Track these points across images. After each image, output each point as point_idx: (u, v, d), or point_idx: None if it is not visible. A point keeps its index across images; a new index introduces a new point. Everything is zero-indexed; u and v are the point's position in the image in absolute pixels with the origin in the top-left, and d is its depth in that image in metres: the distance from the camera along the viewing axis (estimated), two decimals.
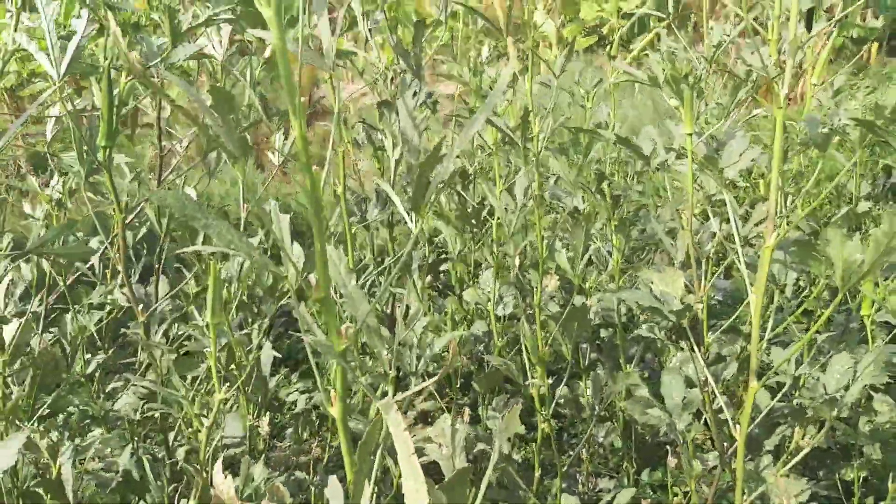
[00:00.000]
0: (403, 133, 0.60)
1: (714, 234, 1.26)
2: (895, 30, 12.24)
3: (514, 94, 1.73)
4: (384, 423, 0.53)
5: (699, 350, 1.17)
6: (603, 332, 1.78)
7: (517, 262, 1.49)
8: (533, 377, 1.37)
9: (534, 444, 1.62)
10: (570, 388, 1.84)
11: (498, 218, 1.86)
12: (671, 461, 1.67)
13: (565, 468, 1.58)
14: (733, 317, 1.28)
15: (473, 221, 1.84)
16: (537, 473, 1.46)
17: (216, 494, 0.55)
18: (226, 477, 0.55)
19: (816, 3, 1.35)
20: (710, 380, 1.10)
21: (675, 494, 1.61)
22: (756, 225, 1.12)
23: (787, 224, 1.23)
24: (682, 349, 1.28)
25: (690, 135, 1.08)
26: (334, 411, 0.54)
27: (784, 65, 1.02)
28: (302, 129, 0.49)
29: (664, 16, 1.67)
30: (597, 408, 1.42)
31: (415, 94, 1.43)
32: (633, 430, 1.83)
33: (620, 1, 11.67)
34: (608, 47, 12.99)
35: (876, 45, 11.54)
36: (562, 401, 1.78)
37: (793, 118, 1.64)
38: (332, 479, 0.57)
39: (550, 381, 1.62)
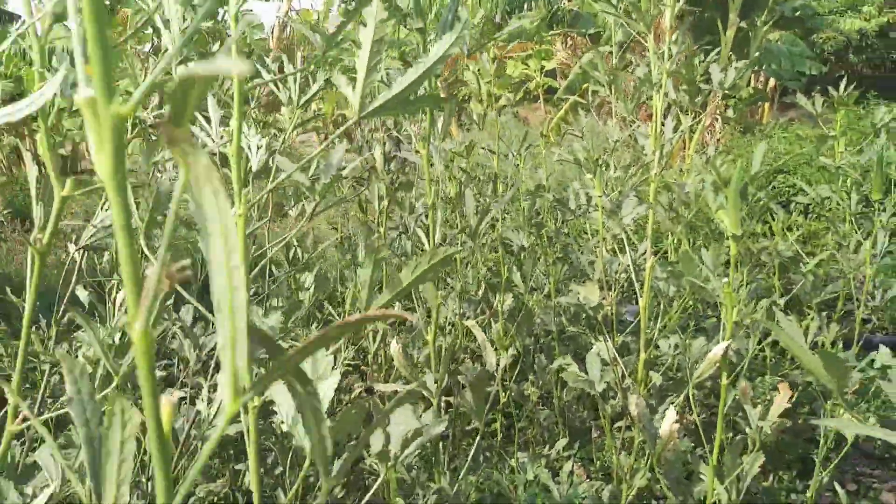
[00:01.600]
0: (467, 210, 1.14)
1: (618, 263, 1.84)
2: (784, 89, 13.73)
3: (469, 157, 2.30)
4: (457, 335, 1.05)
5: (611, 341, 1.73)
6: (543, 340, 2.33)
7: (483, 285, 2.03)
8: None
9: (493, 437, 2.14)
10: (519, 386, 2.39)
11: (466, 252, 2.40)
12: (594, 435, 2.23)
13: (518, 439, 2.11)
14: (636, 320, 1.85)
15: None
16: (499, 436, 1.97)
17: (396, 353, 1.06)
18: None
19: (690, 99, 1.97)
20: (618, 359, 1.66)
21: (598, 459, 2.16)
22: (642, 255, 1.69)
23: (661, 254, 1.82)
24: (599, 341, 1.83)
25: (600, 196, 1.65)
26: (429, 335, 1.06)
27: (661, 149, 1.62)
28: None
29: (585, 102, 2.29)
30: (540, 382, 1.95)
31: (395, 157, 1.99)
32: (567, 416, 2.38)
33: (543, 60, 12.77)
34: (533, 101, 13.97)
35: (768, 104, 12.89)
36: (513, 393, 2.32)
37: (673, 180, 2.25)
38: (428, 375, 1.09)
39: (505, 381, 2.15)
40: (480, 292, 1.91)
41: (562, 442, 1.86)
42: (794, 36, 10.09)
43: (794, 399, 2.52)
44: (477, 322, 1.46)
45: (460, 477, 1.17)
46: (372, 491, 0.87)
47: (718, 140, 6.53)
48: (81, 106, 0.25)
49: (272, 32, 9.22)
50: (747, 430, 1.13)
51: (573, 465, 1.82)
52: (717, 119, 6.47)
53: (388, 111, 0.59)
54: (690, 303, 2.58)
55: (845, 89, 2.20)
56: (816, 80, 12.97)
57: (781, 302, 1.91)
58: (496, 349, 1.90)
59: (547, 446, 1.98)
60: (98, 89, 0.24)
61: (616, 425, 1.98)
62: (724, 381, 1.14)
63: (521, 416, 2.60)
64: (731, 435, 2.15)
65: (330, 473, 0.41)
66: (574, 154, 1.71)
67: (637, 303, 3.04)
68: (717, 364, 1.11)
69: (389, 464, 0.84)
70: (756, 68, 10.26)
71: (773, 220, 1.82)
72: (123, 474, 0.35)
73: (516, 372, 2.20)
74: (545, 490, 1.59)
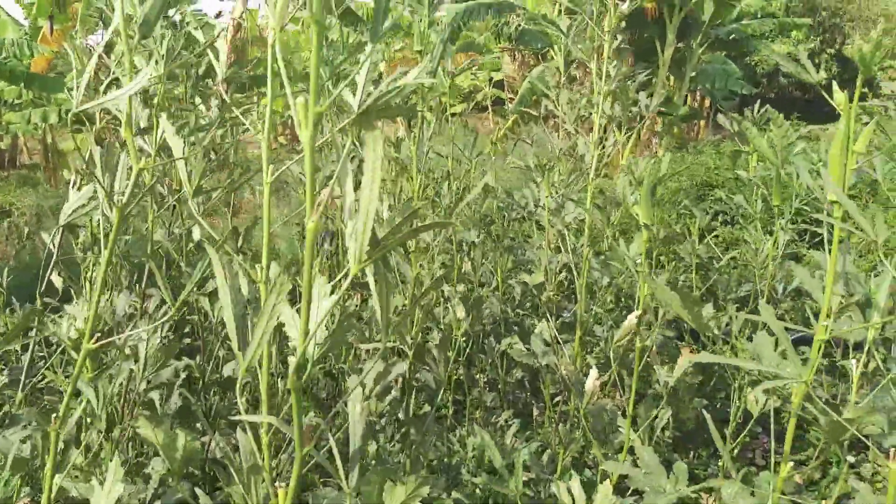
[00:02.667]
0: (441, 197, 1.35)
1: (558, 261, 2.09)
2: (717, 109, 14.44)
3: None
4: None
5: (552, 322, 1.97)
6: (490, 327, 2.56)
7: (439, 272, 2.24)
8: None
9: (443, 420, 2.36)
10: (468, 370, 2.61)
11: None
12: (535, 414, 2.47)
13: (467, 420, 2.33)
14: (576, 307, 2.10)
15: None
16: (449, 415, 2.19)
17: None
18: None
19: (623, 116, 2.24)
20: (558, 337, 1.90)
21: (538, 435, 2.40)
22: (580, 247, 1.95)
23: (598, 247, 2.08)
24: (542, 322, 2.08)
25: (548, 197, 1.90)
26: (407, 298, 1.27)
27: (598, 157, 1.87)
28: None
29: (535, 114, 2.54)
30: (488, 362, 2.18)
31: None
32: (510, 399, 2.62)
33: (492, 71, 13.20)
34: (481, 111, 14.31)
35: (703, 122, 13.55)
36: (461, 378, 2.54)
37: (608, 186, 2.52)
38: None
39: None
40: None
41: (507, 413, 2.09)
42: (725, 58, 10.69)
43: (712, 384, 2.81)
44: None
45: (424, 428, 1.38)
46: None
47: (654, 154, 6.92)
48: (298, 105, 0.45)
49: (226, 32, 9.23)
50: (656, 386, 1.37)
51: (514, 435, 2.05)
52: (654, 136, 6.88)
53: (375, 115, 0.80)
54: (622, 299, 2.85)
55: (758, 111, 2.51)
56: (748, 100, 13.70)
57: (698, 295, 2.19)
58: (451, 331, 2.12)
59: (493, 416, 2.21)
60: (311, 95, 0.45)
61: (555, 401, 2.22)
62: (639, 343, 1.39)
63: (468, 402, 2.83)
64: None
65: (388, 318, 0.65)
66: (525, 160, 1.95)
67: (575, 302, 3.31)
68: (633, 331, 1.36)
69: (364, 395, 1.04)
70: (692, 88, 10.83)
71: (692, 223, 2.10)
72: (269, 329, 0.55)
73: (464, 357, 2.42)
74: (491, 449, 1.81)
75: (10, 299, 2.24)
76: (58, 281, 2.00)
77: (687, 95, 11.88)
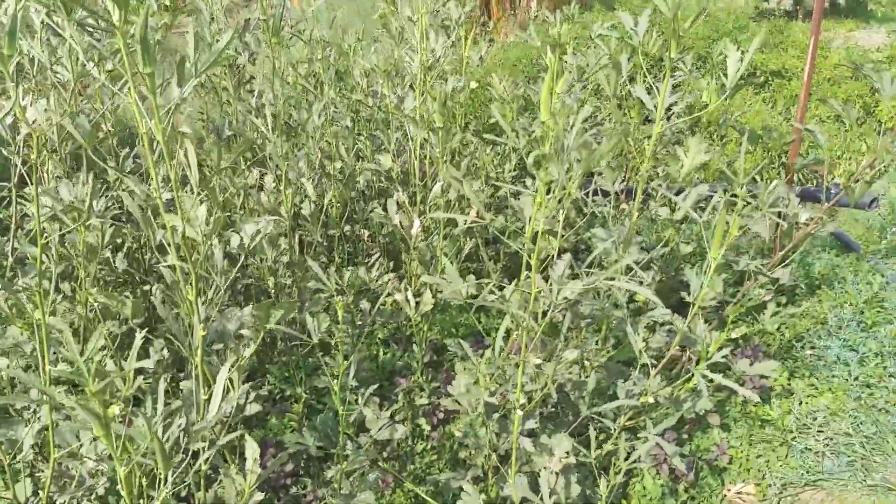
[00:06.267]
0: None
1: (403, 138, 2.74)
2: None
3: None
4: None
5: (404, 193, 2.65)
6: (366, 194, 3.23)
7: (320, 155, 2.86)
8: None
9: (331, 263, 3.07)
10: (352, 228, 3.29)
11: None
12: (405, 259, 3.21)
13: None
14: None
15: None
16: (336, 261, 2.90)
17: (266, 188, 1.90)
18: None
19: None
20: (407, 202, 2.59)
21: (406, 274, 3.16)
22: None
23: None
24: (398, 192, 2.74)
25: (388, 95, 2.51)
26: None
27: None
28: None
29: None
30: (366, 220, 2.86)
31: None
32: (388, 250, 3.35)
33: None
34: None
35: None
36: (347, 234, 3.22)
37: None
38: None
39: None
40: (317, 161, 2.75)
41: (377, 255, 2.82)
42: None
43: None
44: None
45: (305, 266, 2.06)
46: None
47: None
48: None
49: None
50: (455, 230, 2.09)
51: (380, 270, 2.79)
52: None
53: None
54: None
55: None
56: None
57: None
58: (331, 202, 2.78)
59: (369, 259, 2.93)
60: None
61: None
62: (442, 200, 2.09)
63: (356, 253, 3.55)
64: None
65: None
66: (373, 63, 2.54)
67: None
68: (440, 196, 2.04)
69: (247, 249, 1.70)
70: None
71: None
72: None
73: (343, 220, 3.09)
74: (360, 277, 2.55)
75: None
76: None
77: None
